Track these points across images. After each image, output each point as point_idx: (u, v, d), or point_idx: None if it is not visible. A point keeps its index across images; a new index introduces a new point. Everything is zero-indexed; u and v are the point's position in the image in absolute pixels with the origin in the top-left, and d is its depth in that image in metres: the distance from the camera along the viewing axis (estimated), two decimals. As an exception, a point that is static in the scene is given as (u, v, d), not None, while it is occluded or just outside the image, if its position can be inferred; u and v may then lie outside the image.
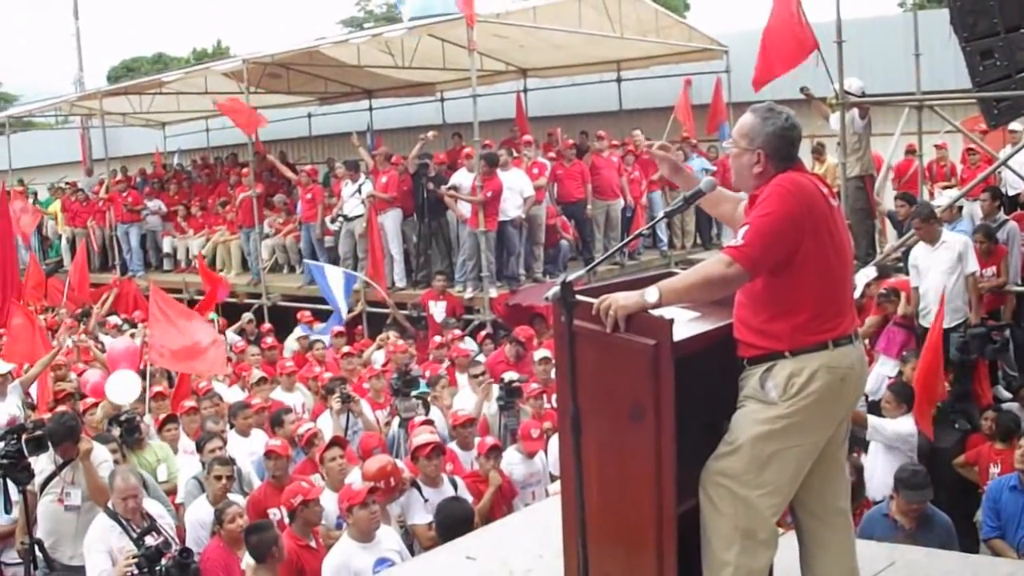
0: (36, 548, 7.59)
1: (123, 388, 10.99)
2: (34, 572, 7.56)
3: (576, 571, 4.19)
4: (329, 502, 8.03)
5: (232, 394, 12.27)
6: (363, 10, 61.98)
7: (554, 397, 9.93)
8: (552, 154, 18.10)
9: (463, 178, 15.93)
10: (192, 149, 30.78)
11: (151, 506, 7.73)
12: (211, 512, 8.04)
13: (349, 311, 16.65)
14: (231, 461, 8.55)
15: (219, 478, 8.23)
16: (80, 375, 13.39)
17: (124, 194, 22.81)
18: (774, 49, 13.18)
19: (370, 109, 25.78)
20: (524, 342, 12.95)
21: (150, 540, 6.85)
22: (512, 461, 9.26)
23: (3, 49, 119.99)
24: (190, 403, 10.97)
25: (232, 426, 10.39)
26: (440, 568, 6.05)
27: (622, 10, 17.92)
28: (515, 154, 16.94)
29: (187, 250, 22.13)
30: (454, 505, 7.91)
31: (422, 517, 8.11)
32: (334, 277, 16.49)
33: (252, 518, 7.70)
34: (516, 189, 15.84)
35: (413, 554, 7.74)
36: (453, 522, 7.50)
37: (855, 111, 13.16)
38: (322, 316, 16.94)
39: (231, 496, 8.39)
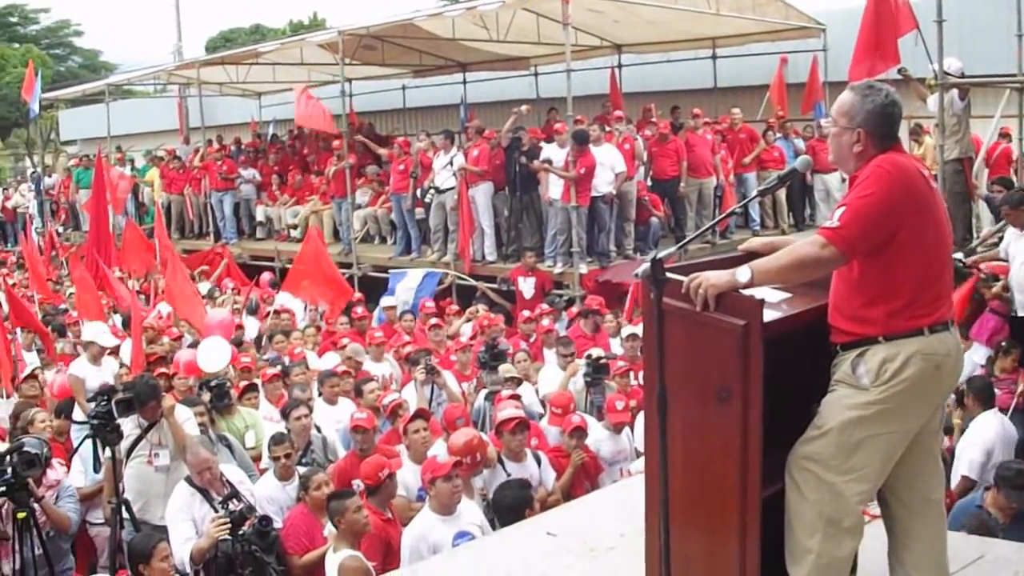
0: (123, 508, 7.72)
1: (213, 356, 11.11)
2: (120, 532, 7.69)
3: (657, 552, 4.14)
4: (411, 474, 8.06)
5: (325, 363, 12.36)
6: (459, -17, 61.96)
7: (641, 375, 9.91)
8: (647, 131, 17.96)
9: (554, 152, 15.87)
10: (287, 119, 31.01)
11: (231, 472, 7.82)
12: (279, 487, 8.20)
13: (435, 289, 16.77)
14: (284, 437, 8.60)
15: (277, 458, 8.29)
16: (175, 340, 13.58)
17: (219, 163, 23.09)
18: (873, 39, 12.88)
19: (464, 82, 25.80)
20: (598, 310, 12.89)
21: (232, 506, 6.95)
22: (599, 438, 9.22)
23: (104, 20, 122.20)
24: (272, 371, 11.08)
25: (320, 394, 10.46)
26: (520, 543, 6.02)
27: (719, -14, 17.71)
28: (607, 129, 16.84)
29: (280, 219, 22.35)
30: (507, 492, 7.83)
31: (504, 492, 8.09)
32: (412, 277, 16.59)
33: (337, 487, 7.76)
34: (608, 165, 15.77)
35: (495, 528, 7.74)
36: (506, 509, 7.46)
37: (954, 92, 12.84)
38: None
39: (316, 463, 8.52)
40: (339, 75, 20.41)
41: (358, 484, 8.17)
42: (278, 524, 7.66)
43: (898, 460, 4.13)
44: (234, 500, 7.11)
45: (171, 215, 24.85)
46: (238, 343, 13.13)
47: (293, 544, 7.52)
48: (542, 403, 10.37)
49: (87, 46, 75.46)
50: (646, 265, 3.99)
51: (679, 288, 3.98)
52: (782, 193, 18.60)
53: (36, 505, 7.57)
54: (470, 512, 7.27)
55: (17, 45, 65.13)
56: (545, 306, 14.51)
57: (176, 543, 6.95)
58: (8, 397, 11.44)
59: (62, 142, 45.62)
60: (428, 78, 26.75)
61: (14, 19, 72.65)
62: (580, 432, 8.85)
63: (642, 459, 8.02)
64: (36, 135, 44.94)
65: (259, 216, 23.11)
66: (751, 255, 4.29)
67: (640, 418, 8.90)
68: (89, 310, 15.00)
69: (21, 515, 7.29)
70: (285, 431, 8.81)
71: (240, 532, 6.73)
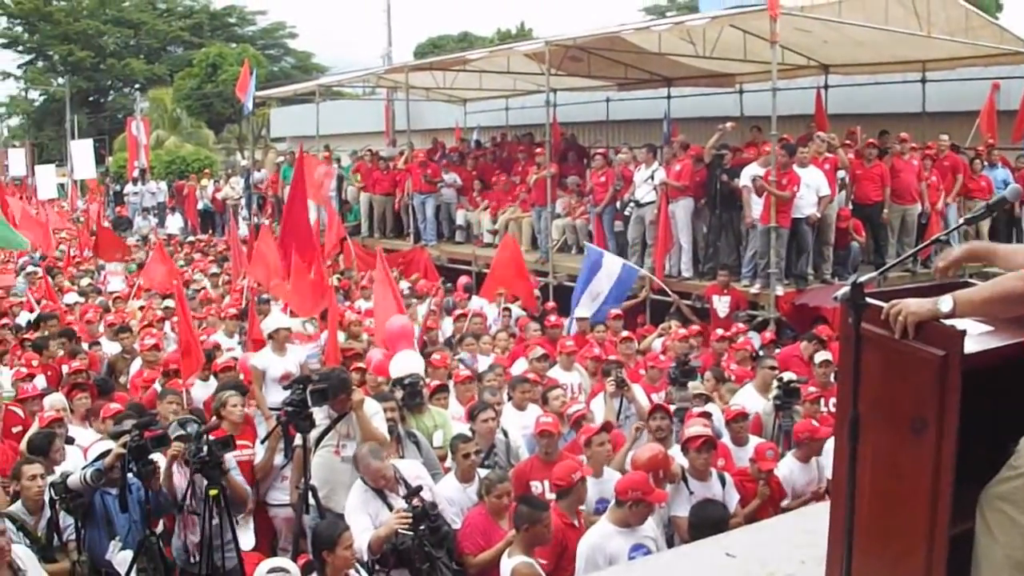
0: (310, 494, 7.99)
1: (406, 367, 11.30)
2: (305, 515, 7.97)
3: (838, 583, 4.07)
4: (590, 486, 8.09)
5: (515, 369, 12.48)
6: (667, -2, 62.32)
7: (831, 401, 9.73)
8: (851, 154, 17.63)
9: (757, 172, 15.68)
10: (491, 127, 31.40)
11: (408, 468, 8.03)
12: (458, 488, 8.31)
13: (630, 297, 16.71)
14: (471, 437, 8.72)
15: (466, 456, 8.38)
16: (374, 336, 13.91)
17: (425, 166, 23.50)
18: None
19: (668, 97, 25.59)
20: (825, 340, 12.59)
21: (415, 502, 7.12)
22: (790, 467, 9.08)
23: (318, 23, 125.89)
24: (466, 372, 11.24)
25: (510, 398, 10.57)
26: (698, 562, 6.00)
27: (931, 7, 17.17)
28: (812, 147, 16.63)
29: (479, 223, 22.66)
30: (709, 508, 7.83)
31: (685, 509, 8.05)
32: (610, 267, 16.53)
33: (516, 488, 7.85)
34: (813, 187, 15.54)
35: (671, 544, 7.72)
36: (705, 525, 7.42)
37: None
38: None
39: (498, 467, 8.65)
40: (544, 85, 20.56)
41: (536, 486, 8.27)
42: (456, 524, 7.81)
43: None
44: (416, 497, 7.26)
45: (373, 215, 25.46)
46: (431, 343, 13.35)
47: (469, 544, 7.65)
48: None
49: (300, 48, 78.31)
50: (846, 289, 3.93)
51: (878, 314, 3.90)
52: (985, 225, 18.02)
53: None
54: (647, 525, 7.27)
55: (234, 45, 67.86)
56: (740, 324, 14.37)
57: (355, 532, 7.13)
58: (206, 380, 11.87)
59: (272, 139, 47.14)
60: (632, 91, 26.71)
61: (232, 20, 75.89)
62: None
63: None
64: (248, 131, 46.62)
65: (459, 220, 23.48)
66: (953, 285, 4.17)
67: (826, 445, 8.77)
68: (302, 304, 15.46)
69: (213, 492, 7.58)
70: (471, 432, 8.94)
71: (421, 527, 6.90)
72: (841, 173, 16.87)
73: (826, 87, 22.37)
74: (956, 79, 20.79)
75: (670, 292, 16.77)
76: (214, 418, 9.17)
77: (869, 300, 3.92)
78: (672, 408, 10.08)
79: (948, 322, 3.79)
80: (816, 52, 21.20)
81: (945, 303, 3.81)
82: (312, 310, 15.26)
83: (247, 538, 8.92)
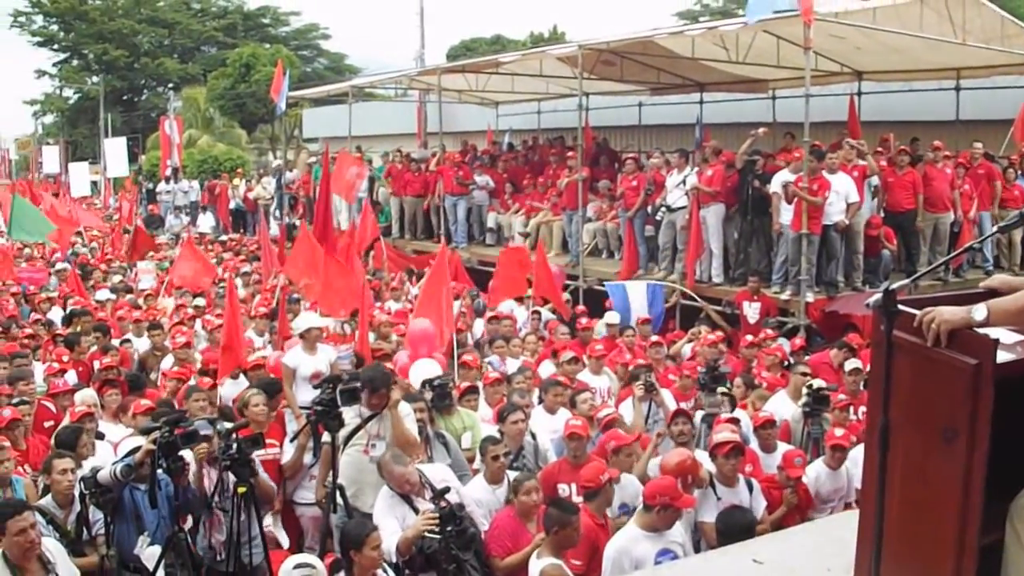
0: (337, 494, 8.02)
1: (425, 375, 11.33)
2: (332, 514, 8.01)
3: (866, 591, 4.06)
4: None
5: (542, 372, 12.47)
6: (699, 3, 62.21)
7: (860, 409, 9.69)
8: (883, 161, 17.53)
9: (788, 178, 15.64)
10: (523, 130, 31.40)
11: (433, 471, 8.02)
12: (489, 490, 8.30)
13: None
14: (499, 439, 8.72)
15: (495, 458, 8.37)
16: (403, 336, 13.92)
17: (457, 168, 23.53)
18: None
19: (700, 102, 25.55)
20: (855, 348, 12.52)
21: (442, 504, 7.13)
22: (818, 473, 9.04)
23: (351, 24, 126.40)
24: (495, 374, 11.23)
25: (541, 401, 10.56)
26: (724, 568, 5.97)
27: (965, 15, 17.06)
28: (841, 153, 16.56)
29: (510, 226, 22.67)
30: (737, 514, 7.82)
31: (712, 515, 8.04)
32: (635, 293, 16.52)
33: (544, 491, 7.86)
34: (842, 193, 15.47)
35: (698, 550, 7.71)
36: (733, 531, 7.41)
37: None
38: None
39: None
40: (576, 89, 20.57)
41: (563, 489, 8.26)
42: (485, 526, 7.81)
43: None
44: (443, 499, 7.28)
45: (404, 216, 25.50)
46: (461, 345, 13.37)
47: (497, 547, 7.64)
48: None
49: (333, 49, 78.67)
50: (878, 295, 3.91)
51: (911, 321, 3.88)
52: (1018, 234, 17.90)
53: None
54: (674, 530, 7.27)
55: (268, 45, 68.13)
56: (770, 331, 14.30)
57: (382, 536, 7.15)
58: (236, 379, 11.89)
59: (304, 139, 47.30)
60: (665, 96, 26.69)
61: (266, 20, 76.31)
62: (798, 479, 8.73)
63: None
64: (280, 131, 46.78)
65: (490, 223, 23.53)
66: (988, 293, 4.15)
67: (854, 454, 8.73)
68: (333, 303, 15.47)
69: (242, 489, 7.62)
70: (499, 434, 8.94)
71: (448, 528, 6.91)
72: (874, 180, 16.77)
73: (859, 94, 22.28)
74: (990, 87, 20.69)
75: (698, 299, 16.75)
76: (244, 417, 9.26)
77: (902, 307, 3.90)
78: (701, 414, 10.11)
79: (981, 331, 3.77)
80: (850, 58, 21.12)
81: (979, 311, 3.78)
82: (341, 309, 15.28)
83: (283, 538, 9.02)
